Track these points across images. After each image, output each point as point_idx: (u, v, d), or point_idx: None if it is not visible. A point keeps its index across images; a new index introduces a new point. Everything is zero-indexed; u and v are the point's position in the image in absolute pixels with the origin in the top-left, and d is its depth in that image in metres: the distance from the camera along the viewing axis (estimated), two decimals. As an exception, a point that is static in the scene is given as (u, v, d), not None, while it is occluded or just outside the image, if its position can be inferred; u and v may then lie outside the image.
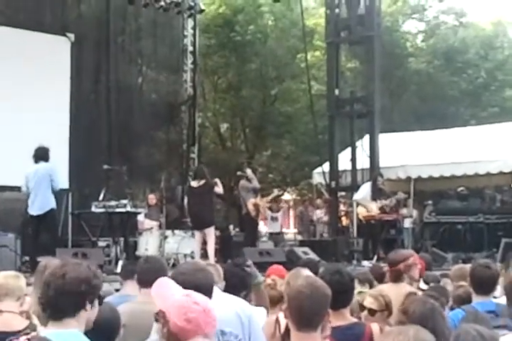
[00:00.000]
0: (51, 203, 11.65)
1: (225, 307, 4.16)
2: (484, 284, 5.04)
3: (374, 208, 14.82)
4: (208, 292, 3.89)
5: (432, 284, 6.68)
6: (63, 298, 3.17)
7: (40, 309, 3.33)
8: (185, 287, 3.39)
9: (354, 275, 4.79)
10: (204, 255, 11.95)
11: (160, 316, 3.02)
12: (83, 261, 3.46)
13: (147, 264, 5.18)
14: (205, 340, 2.93)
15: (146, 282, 4.91)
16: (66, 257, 3.50)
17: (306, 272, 5.37)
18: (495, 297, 5.23)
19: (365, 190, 15.16)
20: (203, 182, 12.10)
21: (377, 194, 14.94)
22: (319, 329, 3.46)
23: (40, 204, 11.66)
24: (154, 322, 3.16)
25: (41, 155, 11.86)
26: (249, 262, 5.32)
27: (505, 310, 4.76)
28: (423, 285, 6.59)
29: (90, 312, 3.26)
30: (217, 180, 12.44)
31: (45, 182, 11.64)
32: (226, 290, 4.70)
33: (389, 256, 6.00)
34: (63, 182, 11.95)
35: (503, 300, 5.03)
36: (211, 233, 12.22)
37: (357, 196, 15.41)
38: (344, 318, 4.21)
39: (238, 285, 4.95)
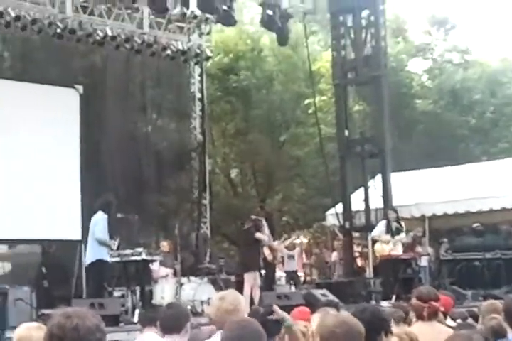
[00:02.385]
0: (94, 254, 11.74)
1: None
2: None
3: (391, 243, 14.73)
4: None
5: (458, 321, 6.55)
6: None
7: None
8: None
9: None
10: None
11: None
12: (83, 309, 3.34)
13: (170, 310, 5.08)
14: None
15: (169, 328, 4.82)
16: (67, 307, 3.33)
17: (332, 312, 5.23)
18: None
19: (381, 227, 15.09)
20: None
21: (390, 230, 14.85)
22: None
23: (87, 254, 12.02)
24: None
25: (97, 205, 12.25)
26: (275, 307, 5.19)
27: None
28: (450, 322, 6.44)
29: None
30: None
31: (91, 233, 11.94)
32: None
33: (421, 293, 5.84)
34: (100, 233, 11.94)
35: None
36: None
37: (374, 233, 15.31)
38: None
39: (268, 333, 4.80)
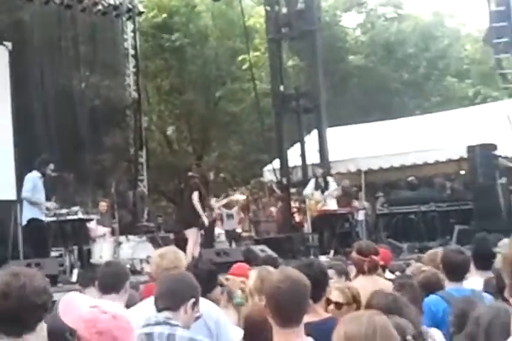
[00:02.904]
0: (28, 214, 11.66)
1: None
2: (457, 269, 4.97)
3: (322, 200, 14.88)
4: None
5: (397, 273, 6.63)
6: (25, 310, 2.95)
7: None
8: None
9: (330, 266, 4.69)
10: None
11: (73, 335, 2.77)
12: (33, 270, 3.24)
13: (108, 269, 5.01)
14: None
15: (108, 288, 4.75)
16: (17, 267, 3.23)
17: (270, 269, 5.23)
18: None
19: (311, 185, 15.20)
20: None
21: (318, 186, 14.98)
22: (302, 324, 3.32)
23: (23, 214, 11.87)
24: None
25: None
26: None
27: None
28: (389, 275, 6.52)
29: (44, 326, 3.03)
30: None
31: None
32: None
33: (361, 247, 5.87)
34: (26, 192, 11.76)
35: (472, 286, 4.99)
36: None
37: (305, 191, 15.42)
38: (317, 314, 4.08)
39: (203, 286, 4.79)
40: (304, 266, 4.13)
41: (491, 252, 5.52)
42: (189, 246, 12.56)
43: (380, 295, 4.03)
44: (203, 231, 13.73)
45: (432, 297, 4.74)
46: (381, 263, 6.09)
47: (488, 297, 4.71)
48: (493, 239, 6.05)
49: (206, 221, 12.99)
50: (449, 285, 4.95)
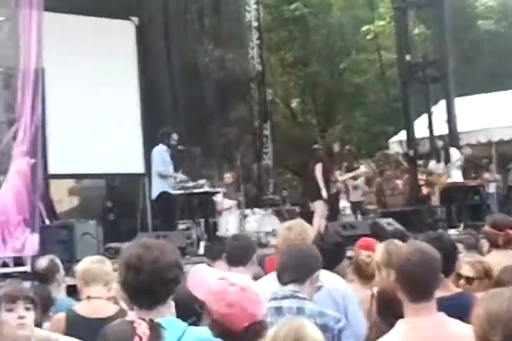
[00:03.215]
0: (158, 187, 12.02)
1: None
2: None
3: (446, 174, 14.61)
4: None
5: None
6: (157, 284, 2.97)
7: (126, 295, 3.12)
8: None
9: (459, 240, 4.56)
10: None
11: (202, 307, 2.81)
12: (164, 242, 3.26)
13: (236, 242, 5.02)
14: None
15: (236, 260, 4.76)
16: (149, 239, 3.26)
17: (397, 242, 5.13)
18: None
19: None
20: None
21: (440, 157, 14.75)
22: (434, 299, 3.20)
23: (152, 188, 12.29)
24: None
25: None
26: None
27: None
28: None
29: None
30: None
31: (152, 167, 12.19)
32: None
33: (496, 220, 5.69)
34: (159, 166, 12.06)
35: None
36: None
37: (430, 165, 15.19)
38: (447, 288, 3.96)
39: (330, 259, 4.71)
40: (433, 239, 4.01)
41: None
42: (316, 219, 12.54)
43: (510, 271, 3.88)
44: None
45: None
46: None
47: None
48: None
49: (325, 194, 12.92)
50: None
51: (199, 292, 2.79)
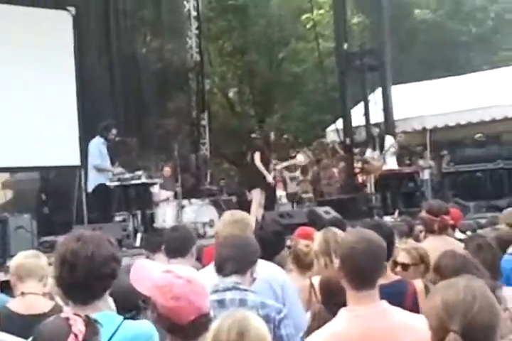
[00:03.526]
0: (95, 180, 11.98)
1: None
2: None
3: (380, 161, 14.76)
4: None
5: (468, 233, 6.49)
6: (93, 280, 2.94)
7: (61, 291, 3.07)
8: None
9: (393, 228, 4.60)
10: None
11: (147, 302, 2.78)
12: (101, 234, 3.17)
13: (175, 233, 4.97)
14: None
15: (175, 252, 4.71)
16: (85, 231, 3.19)
17: (335, 230, 5.14)
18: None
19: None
20: None
21: (375, 145, 14.93)
22: (377, 287, 3.20)
23: (88, 180, 12.25)
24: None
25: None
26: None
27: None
28: (459, 235, 6.38)
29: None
30: None
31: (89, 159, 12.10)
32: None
33: (432, 206, 5.74)
34: (96, 159, 11.97)
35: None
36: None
37: (366, 155, 15.33)
38: (385, 276, 3.97)
39: (270, 248, 4.68)
40: (372, 226, 4.02)
41: None
42: (253, 207, 12.58)
43: (448, 257, 3.92)
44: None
45: (508, 257, 4.59)
46: (451, 222, 5.97)
47: None
48: None
49: (271, 179, 13.00)
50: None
51: (143, 287, 2.74)
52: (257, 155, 13.15)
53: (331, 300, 3.82)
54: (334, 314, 3.25)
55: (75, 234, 3.08)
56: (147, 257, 5.90)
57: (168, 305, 2.64)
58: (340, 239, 4.71)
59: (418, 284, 4.28)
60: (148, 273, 2.79)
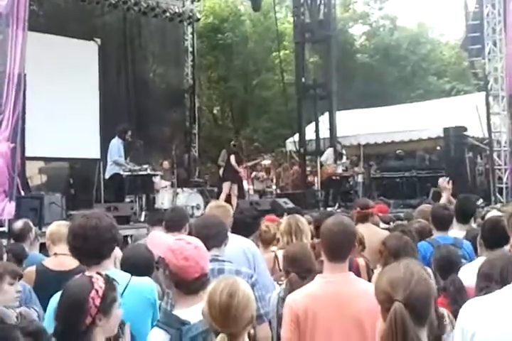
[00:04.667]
0: (112, 170, 11.76)
1: (233, 246, 3.88)
2: (444, 221, 4.77)
3: (333, 168, 14.70)
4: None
5: (391, 223, 6.44)
6: (101, 244, 2.88)
7: (77, 258, 3.00)
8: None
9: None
10: None
11: (160, 262, 2.71)
12: (99, 211, 3.17)
13: (174, 212, 4.90)
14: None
15: (173, 227, 4.63)
16: (84, 212, 3.17)
17: (298, 216, 5.08)
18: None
19: (328, 154, 15.06)
20: None
21: (336, 157, 14.84)
22: (347, 260, 3.14)
23: (107, 170, 11.95)
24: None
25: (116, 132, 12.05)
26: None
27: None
28: (382, 225, 6.34)
29: (115, 251, 3.03)
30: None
31: (109, 154, 11.88)
32: (235, 232, 4.35)
33: (359, 202, 5.69)
34: (115, 155, 11.84)
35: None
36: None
37: (322, 158, 15.27)
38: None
39: (248, 228, 4.60)
40: (327, 215, 3.96)
41: (472, 208, 5.33)
42: (222, 196, 12.80)
43: (394, 238, 3.85)
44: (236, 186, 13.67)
45: (423, 243, 4.56)
46: (380, 214, 5.92)
47: (467, 243, 4.53)
48: (474, 199, 5.82)
49: (243, 173, 13.06)
50: (437, 234, 4.77)
51: (159, 249, 2.70)
52: (232, 157, 13.19)
53: (292, 267, 3.78)
54: (303, 278, 3.22)
55: (78, 214, 3.09)
56: (148, 230, 5.80)
57: (179, 264, 2.60)
58: (296, 223, 4.67)
59: (360, 261, 4.22)
60: (163, 240, 2.76)
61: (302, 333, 3.00)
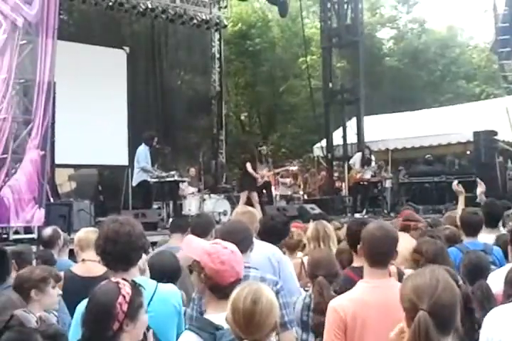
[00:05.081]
0: (140, 177, 11.67)
1: (258, 252, 3.86)
2: (473, 227, 4.71)
3: (360, 173, 14.56)
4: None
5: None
6: (131, 251, 2.88)
7: (104, 262, 2.98)
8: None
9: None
10: None
11: (195, 266, 2.70)
12: (134, 218, 3.19)
13: (200, 219, 4.91)
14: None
15: (200, 233, 4.60)
16: (119, 216, 3.16)
17: (324, 222, 5.06)
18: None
19: (356, 158, 14.93)
20: None
21: (364, 162, 14.69)
22: (388, 267, 3.06)
23: (134, 177, 11.86)
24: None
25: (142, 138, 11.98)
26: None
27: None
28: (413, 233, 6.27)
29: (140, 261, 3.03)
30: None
31: (136, 161, 11.80)
32: (265, 238, 4.33)
33: (408, 214, 5.63)
34: (143, 162, 11.80)
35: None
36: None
37: (351, 161, 15.18)
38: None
39: (279, 234, 4.58)
40: (361, 222, 3.91)
41: (499, 212, 5.24)
42: (239, 206, 12.07)
43: (429, 243, 3.79)
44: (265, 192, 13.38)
45: (452, 248, 4.50)
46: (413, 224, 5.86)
47: (497, 249, 4.46)
48: (500, 203, 5.73)
49: (267, 178, 12.64)
50: (466, 240, 4.71)
51: (195, 253, 2.70)
52: (248, 165, 12.62)
53: (318, 271, 3.75)
54: (331, 282, 3.18)
55: (110, 218, 3.06)
56: (168, 236, 5.82)
57: (216, 268, 2.60)
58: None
59: (392, 269, 4.18)
60: (200, 243, 2.77)
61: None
